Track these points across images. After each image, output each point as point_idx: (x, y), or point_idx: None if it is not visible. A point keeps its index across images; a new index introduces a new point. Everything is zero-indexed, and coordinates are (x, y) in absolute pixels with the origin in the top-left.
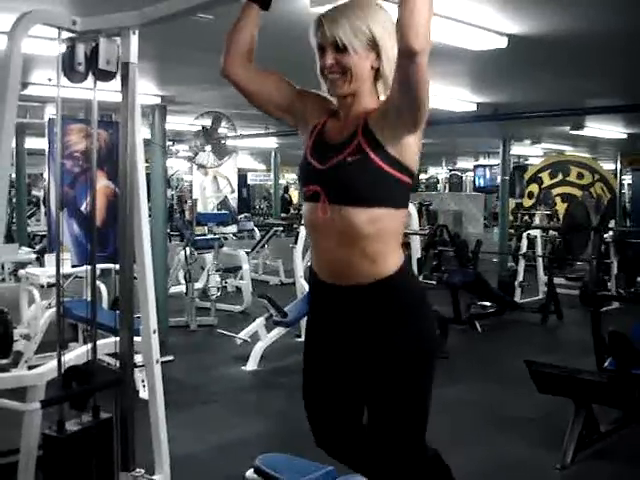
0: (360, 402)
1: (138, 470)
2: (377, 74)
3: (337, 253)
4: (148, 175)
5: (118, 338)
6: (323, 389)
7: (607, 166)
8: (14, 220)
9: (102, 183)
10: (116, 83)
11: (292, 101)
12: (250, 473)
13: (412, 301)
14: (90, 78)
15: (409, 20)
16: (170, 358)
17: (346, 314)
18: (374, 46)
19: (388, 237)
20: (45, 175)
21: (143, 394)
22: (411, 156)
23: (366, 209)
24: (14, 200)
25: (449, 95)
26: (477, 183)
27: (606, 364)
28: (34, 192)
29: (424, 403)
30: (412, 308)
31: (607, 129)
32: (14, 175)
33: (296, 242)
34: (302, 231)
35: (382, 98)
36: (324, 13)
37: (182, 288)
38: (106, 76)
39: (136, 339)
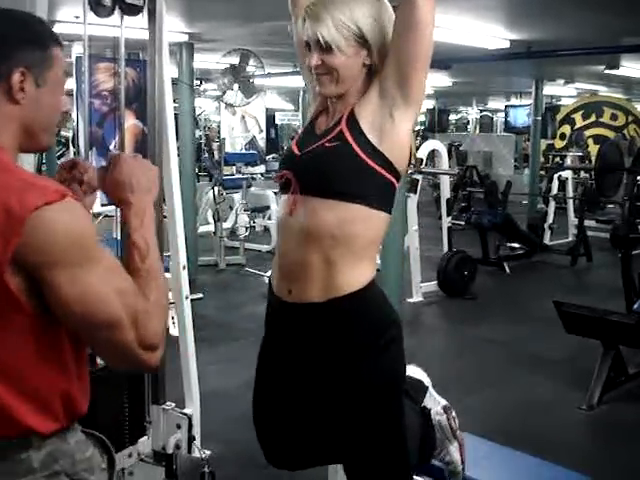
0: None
1: (169, 403)
2: (370, 71)
3: (296, 254)
4: (176, 115)
5: None
6: (277, 422)
7: None
8: (44, 161)
9: (130, 122)
10: (143, 20)
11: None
12: None
13: (377, 330)
14: (117, 13)
15: None
16: (199, 296)
17: (299, 342)
18: (364, 42)
19: (359, 244)
20: (74, 115)
21: (173, 331)
22: (398, 152)
23: (337, 203)
24: None
25: (481, 31)
26: (508, 123)
27: (635, 306)
28: (63, 132)
29: (398, 443)
30: (376, 337)
31: None
32: None
33: None
34: None
35: None
36: (308, 7)
37: (211, 227)
38: (133, 10)
39: (166, 275)
